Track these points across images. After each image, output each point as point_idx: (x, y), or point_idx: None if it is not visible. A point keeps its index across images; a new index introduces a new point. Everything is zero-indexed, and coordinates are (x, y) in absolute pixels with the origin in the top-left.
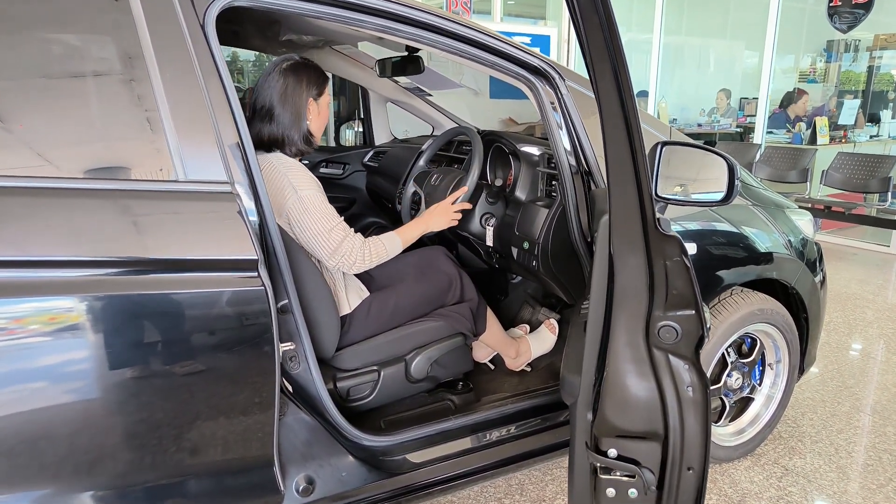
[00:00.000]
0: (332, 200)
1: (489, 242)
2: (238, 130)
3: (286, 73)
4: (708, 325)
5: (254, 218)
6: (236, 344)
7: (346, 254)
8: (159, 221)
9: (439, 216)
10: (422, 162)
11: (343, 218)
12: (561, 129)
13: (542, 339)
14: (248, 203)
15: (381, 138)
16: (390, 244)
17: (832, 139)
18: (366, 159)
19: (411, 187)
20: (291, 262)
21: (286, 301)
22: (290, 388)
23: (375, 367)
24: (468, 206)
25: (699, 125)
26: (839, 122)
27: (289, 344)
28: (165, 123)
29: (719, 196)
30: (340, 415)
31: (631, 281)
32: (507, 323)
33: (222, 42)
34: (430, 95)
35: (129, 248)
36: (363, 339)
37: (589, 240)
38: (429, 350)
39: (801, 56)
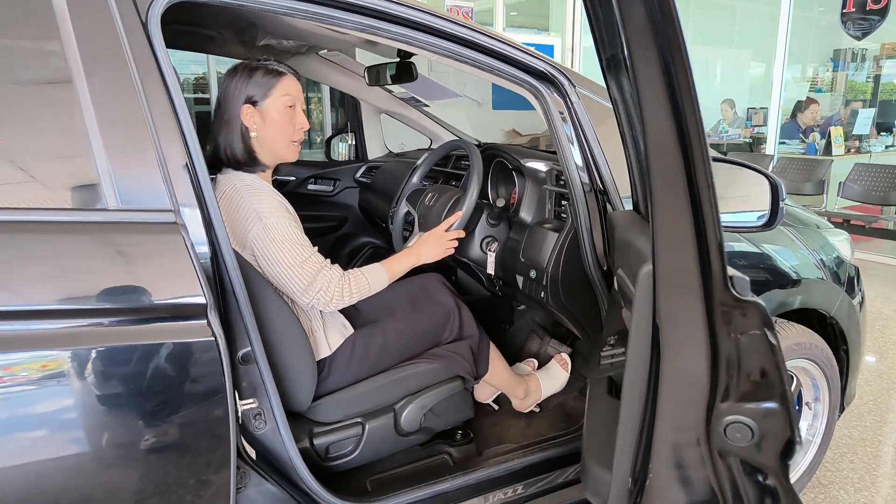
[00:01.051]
0: (321, 219)
1: (490, 270)
2: (186, 147)
3: (227, 77)
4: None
5: (204, 251)
6: (179, 408)
7: (321, 289)
8: (80, 260)
9: (432, 247)
10: (415, 179)
11: (336, 235)
12: (571, 143)
13: (553, 377)
14: (197, 234)
15: (374, 152)
16: (374, 278)
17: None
18: (358, 175)
19: (404, 207)
20: (256, 299)
21: (248, 349)
22: (252, 454)
23: (359, 420)
24: (462, 233)
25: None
26: (854, 132)
27: (251, 401)
28: (93, 141)
29: (759, 219)
30: (316, 480)
31: (686, 360)
32: (513, 356)
33: (193, 48)
34: (427, 106)
35: (39, 294)
36: (345, 385)
37: (605, 268)
38: (422, 397)
39: (808, 65)
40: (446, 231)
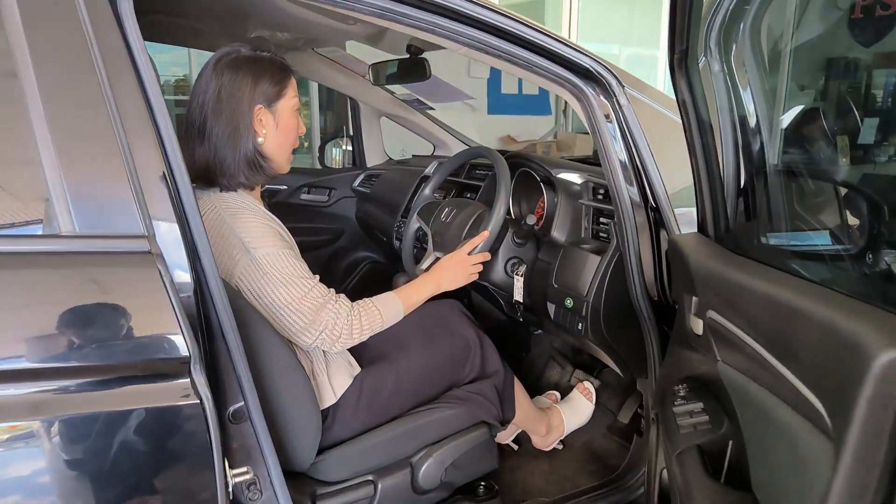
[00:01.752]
0: (315, 232)
1: (518, 297)
2: (165, 157)
3: (220, 72)
4: None
5: (186, 287)
6: (154, 490)
7: (326, 328)
8: (24, 304)
9: (454, 273)
10: (427, 191)
11: (331, 249)
12: (619, 152)
13: (577, 410)
14: (178, 266)
15: (373, 159)
16: (388, 310)
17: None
18: (356, 184)
19: (415, 223)
20: (250, 342)
21: (241, 403)
22: None
23: (371, 478)
24: (488, 256)
25: None
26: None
27: (243, 470)
28: (42, 148)
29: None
30: None
31: None
32: (531, 386)
33: (175, 41)
34: (433, 109)
35: None
36: (353, 436)
37: (656, 298)
38: (443, 449)
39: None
40: (469, 254)
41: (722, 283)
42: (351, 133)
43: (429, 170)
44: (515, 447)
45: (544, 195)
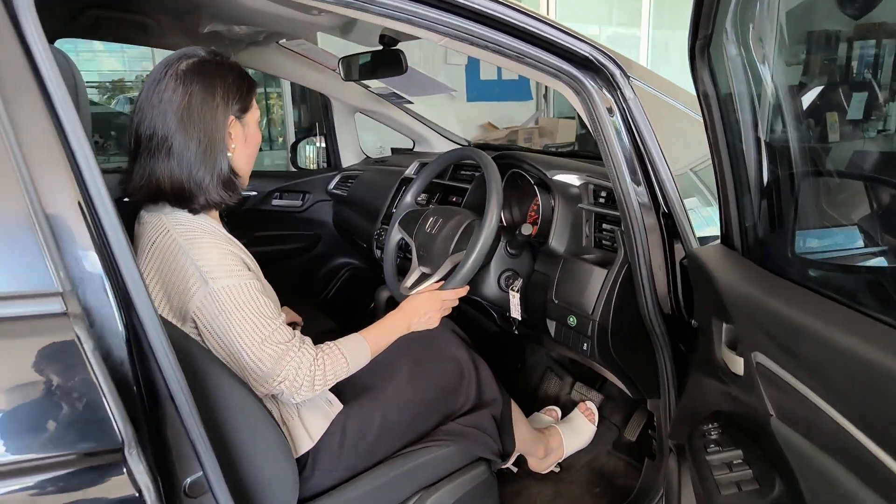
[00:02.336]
0: (290, 239)
1: (515, 314)
2: (83, 184)
3: (188, 79)
4: None
5: (117, 349)
6: None
7: (286, 379)
8: None
9: (426, 311)
10: (409, 197)
11: (308, 257)
12: (625, 150)
13: (577, 431)
14: (106, 324)
15: (349, 159)
16: (355, 355)
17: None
18: (331, 186)
19: (396, 233)
20: (207, 396)
21: (199, 474)
22: None
23: None
24: (465, 290)
25: None
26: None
27: None
28: None
29: None
30: None
31: None
32: (528, 399)
33: (123, 39)
34: (411, 103)
35: None
36: (338, 484)
37: (669, 313)
38: (439, 493)
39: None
40: (442, 290)
41: (771, 320)
42: (324, 131)
43: (410, 171)
44: (515, 469)
45: (538, 198)
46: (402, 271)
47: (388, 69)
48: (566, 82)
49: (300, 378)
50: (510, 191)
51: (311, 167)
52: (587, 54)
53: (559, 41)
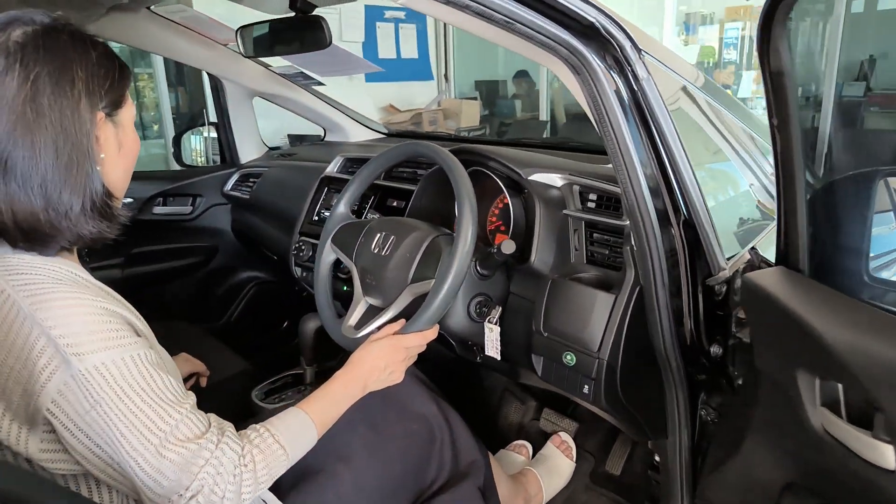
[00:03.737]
0: (180, 254)
1: (492, 352)
2: None
3: (27, 57)
4: None
5: None
6: None
7: (202, 490)
8: None
9: (387, 367)
10: (342, 207)
11: (203, 273)
12: (636, 145)
13: (555, 471)
14: None
15: (248, 153)
16: (295, 440)
17: None
18: (228, 187)
19: (329, 252)
20: None
21: None
22: None
23: None
24: (435, 333)
25: None
26: (738, 96)
27: None
28: None
29: None
30: None
31: None
32: (488, 431)
33: None
34: (322, 84)
35: None
36: None
37: (689, 342)
38: None
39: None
40: (404, 334)
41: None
42: (215, 120)
43: (332, 168)
44: None
45: (506, 202)
46: (339, 297)
47: (305, 43)
48: (564, 57)
49: (221, 488)
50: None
51: (200, 163)
52: (592, 20)
53: (559, 1)
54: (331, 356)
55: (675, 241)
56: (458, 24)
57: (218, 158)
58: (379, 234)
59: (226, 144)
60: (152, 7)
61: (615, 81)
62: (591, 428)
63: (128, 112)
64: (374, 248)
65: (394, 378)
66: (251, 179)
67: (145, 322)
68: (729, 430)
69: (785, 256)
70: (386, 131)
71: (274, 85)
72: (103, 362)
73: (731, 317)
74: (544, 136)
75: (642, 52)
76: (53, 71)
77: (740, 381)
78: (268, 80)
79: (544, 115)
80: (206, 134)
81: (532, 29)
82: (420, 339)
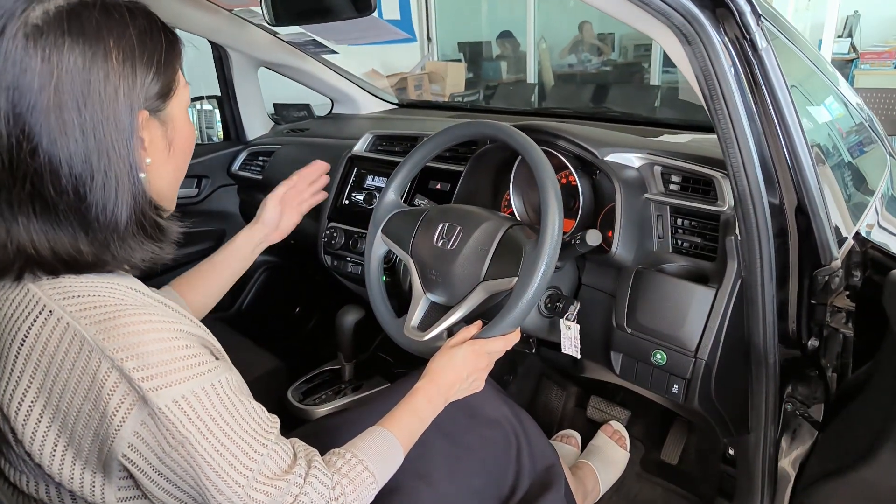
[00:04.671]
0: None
1: (571, 350)
2: None
3: (51, 39)
4: None
5: None
6: None
7: None
8: None
9: (469, 375)
10: (391, 194)
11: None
12: (753, 126)
13: (611, 463)
14: None
15: (255, 129)
16: (383, 464)
17: None
18: (236, 167)
19: (380, 245)
20: None
21: None
22: None
23: None
24: (518, 336)
25: (570, 66)
26: None
27: None
28: None
29: None
30: None
31: None
32: None
33: None
34: (335, 53)
35: None
36: None
37: (792, 337)
38: None
39: None
40: (486, 338)
41: None
42: (219, 94)
43: (360, 146)
44: None
45: (574, 179)
46: (399, 299)
47: (346, 6)
48: (677, 25)
49: None
50: (505, 170)
51: (203, 142)
52: None
53: None
54: (364, 348)
55: (786, 229)
56: None
57: (212, 133)
58: (442, 225)
59: (231, 120)
60: None
61: (731, 53)
62: (641, 414)
63: (180, 100)
64: (436, 241)
65: (476, 387)
66: (261, 158)
67: (218, 343)
68: (851, 436)
69: None
70: (398, 102)
71: (282, 54)
72: (184, 395)
73: (827, 307)
74: (532, 99)
75: (762, 19)
76: (81, 63)
77: (830, 373)
78: (276, 49)
79: (532, 76)
80: (199, 107)
81: None
82: (504, 343)
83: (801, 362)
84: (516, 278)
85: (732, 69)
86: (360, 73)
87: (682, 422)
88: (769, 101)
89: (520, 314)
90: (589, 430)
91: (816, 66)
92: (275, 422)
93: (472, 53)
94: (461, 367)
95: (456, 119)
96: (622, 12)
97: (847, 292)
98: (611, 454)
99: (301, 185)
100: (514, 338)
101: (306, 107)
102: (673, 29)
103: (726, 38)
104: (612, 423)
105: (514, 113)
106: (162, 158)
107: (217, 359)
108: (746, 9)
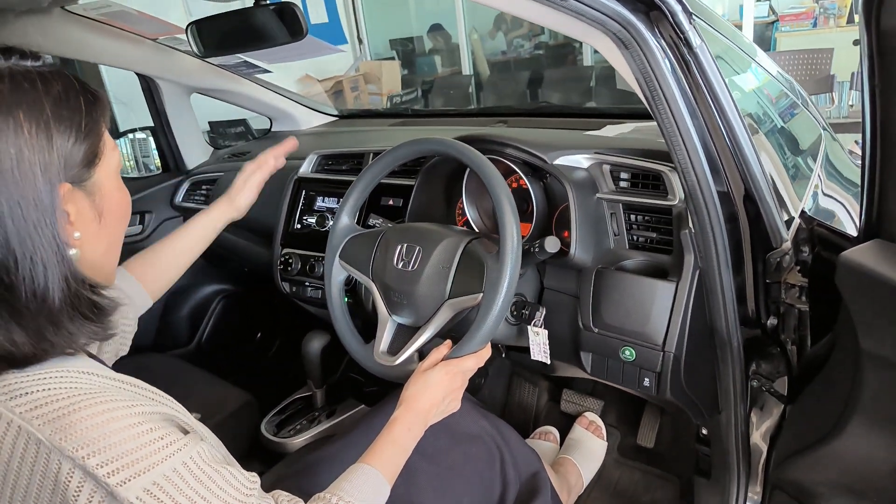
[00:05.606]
0: None
1: (540, 356)
2: None
3: None
4: None
5: None
6: None
7: None
8: None
9: (445, 397)
10: (345, 218)
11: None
12: (696, 123)
13: (590, 455)
14: None
15: (195, 157)
16: (369, 498)
17: None
18: (179, 199)
19: (339, 270)
20: None
21: None
22: None
23: None
24: (488, 352)
25: (503, 52)
26: None
27: None
28: None
29: None
30: None
31: None
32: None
33: None
34: (269, 72)
35: None
36: None
37: (752, 318)
38: None
39: None
40: (458, 357)
41: None
42: (153, 123)
43: (306, 168)
44: None
45: (525, 183)
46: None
47: (276, 34)
48: (613, 31)
49: None
50: (457, 179)
51: (129, 168)
52: None
53: None
54: (333, 371)
55: (737, 217)
56: (504, 6)
57: (148, 162)
58: (400, 246)
59: (168, 150)
60: (67, 6)
61: (668, 53)
62: (613, 402)
63: (107, 165)
64: (396, 263)
65: (452, 407)
66: (204, 186)
67: (182, 408)
68: (819, 411)
69: (875, 228)
70: (337, 114)
71: (214, 78)
72: (155, 482)
73: (781, 284)
74: (469, 90)
75: (693, 17)
76: None
77: (790, 346)
78: (207, 74)
79: (467, 69)
80: (131, 136)
81: (583, 3)
82: (476, 360)
83: (762, 340)
84: (481, 294)
85: (671, 69)
86: (294, 80)
87: (654, 406)
88: (708, 97)
89: (488, 330)
90: (565, 424)
91: (734, 42)
92: (254, 481)
93: (405, 50)
94: (436, 390)
95: (398, 128)
96: (557, 22)
97: (798, 267)
98: (589, 446)
99: (270, 162)
100: (485, 353)
101: (243, 122)
102: (609, 35)
103: (662, 40)
104: (586, 414)
105: (456, 115)
106: (92, 230)
107: (186, 432)
108: (678, 9)
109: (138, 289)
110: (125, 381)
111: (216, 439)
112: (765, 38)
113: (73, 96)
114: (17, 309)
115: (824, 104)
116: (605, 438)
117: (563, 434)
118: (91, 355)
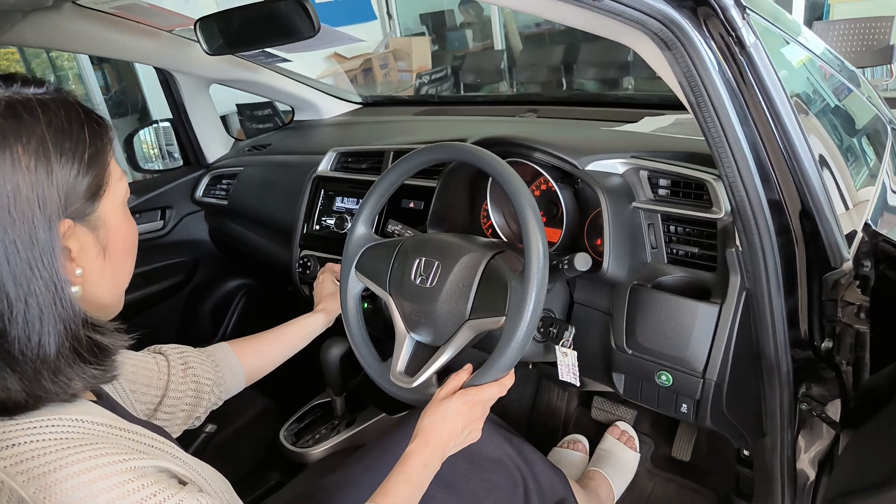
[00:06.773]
0: (158, 276)
1: (569, 377)
2: None
3: None
4: None
5: None
6: None
7: None
8: None
9: (464, 428)
10: (361, 227)
11: (186, 292)
12: (746, 129)
13: (622, 467)
14: None
15: (215, 150)
16: None
17: None
18: (199, 193)
19: (355, 282)
20: None
21: None
22: None
23: None
24: (512, 378)
25: (537, 25)
26: None
27: None
28: None
29: None
30: None
31: None
32: (536, 433)
33: None
34: (289, 61)
35: None
36: None
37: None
38: None
39: None
40: (479, 385)
41: None
42: (171, 116)
43: (325, 165)
44: None
45: (553, 187)
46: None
47: (286, 31)
48: (654, 30)
49: None
50: (478, 184)
51: (153, 155)
52: None
53: None
54: (353, 376)
55: (791, 235)
56: (535, 10)
57: (173, 150)
58: (418, 260)
59: (188, 144)
60: (78, 1)
61: (716, 53)
62: (648, 410)
63: (113, 197)
64: (414, 278)
65: (472, 437)
66: (224, 181)
67: (182, 452)
68: (878, 452)
69: None
70: (361, 101)
71: (233, 69)
72: None
73: (838, 302)
74: (501, 66)
75: (747, 11)
76: None
77: (845, 367)
78: (225, 65)
79: (499, 43)
80: (157, 125)
81: (621, 2)
82: (497, 389)
83: (815, 362)
84: (504, 317)
85: (719, 72)
86: (322, 57)
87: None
88: (762, 102)
89: (512, 359)
90: (595, 431)
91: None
92: None
93: (436, 24)
94: (455, 422)
95: (423, 118)
96: (592, 24)
97: (857, 282)
98: (621, 457)
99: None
100: (508, 381)
101: (270, 104)
102: (649, 34)
103: (710, 39)
104: (618, 423)
105: (484, 103)
106: (96, 266)
107: (183, 483)
108: (730, 2)
109: (238, 369)
110: (125, 427)
111: (222, 481)
112: (818, 5)
113: (76, 126)
114: (11, 355)
115: (881, 76)
116: (638, 450)
117: (593, 442)
118: (99, 395)
